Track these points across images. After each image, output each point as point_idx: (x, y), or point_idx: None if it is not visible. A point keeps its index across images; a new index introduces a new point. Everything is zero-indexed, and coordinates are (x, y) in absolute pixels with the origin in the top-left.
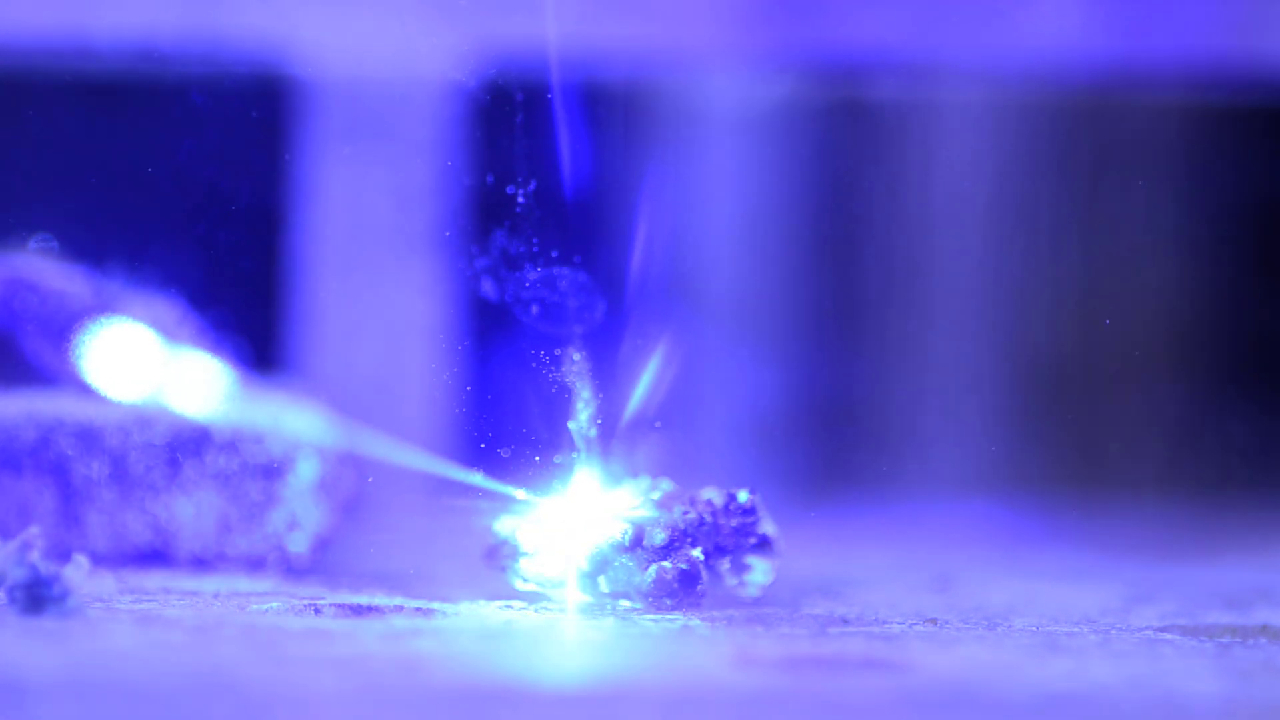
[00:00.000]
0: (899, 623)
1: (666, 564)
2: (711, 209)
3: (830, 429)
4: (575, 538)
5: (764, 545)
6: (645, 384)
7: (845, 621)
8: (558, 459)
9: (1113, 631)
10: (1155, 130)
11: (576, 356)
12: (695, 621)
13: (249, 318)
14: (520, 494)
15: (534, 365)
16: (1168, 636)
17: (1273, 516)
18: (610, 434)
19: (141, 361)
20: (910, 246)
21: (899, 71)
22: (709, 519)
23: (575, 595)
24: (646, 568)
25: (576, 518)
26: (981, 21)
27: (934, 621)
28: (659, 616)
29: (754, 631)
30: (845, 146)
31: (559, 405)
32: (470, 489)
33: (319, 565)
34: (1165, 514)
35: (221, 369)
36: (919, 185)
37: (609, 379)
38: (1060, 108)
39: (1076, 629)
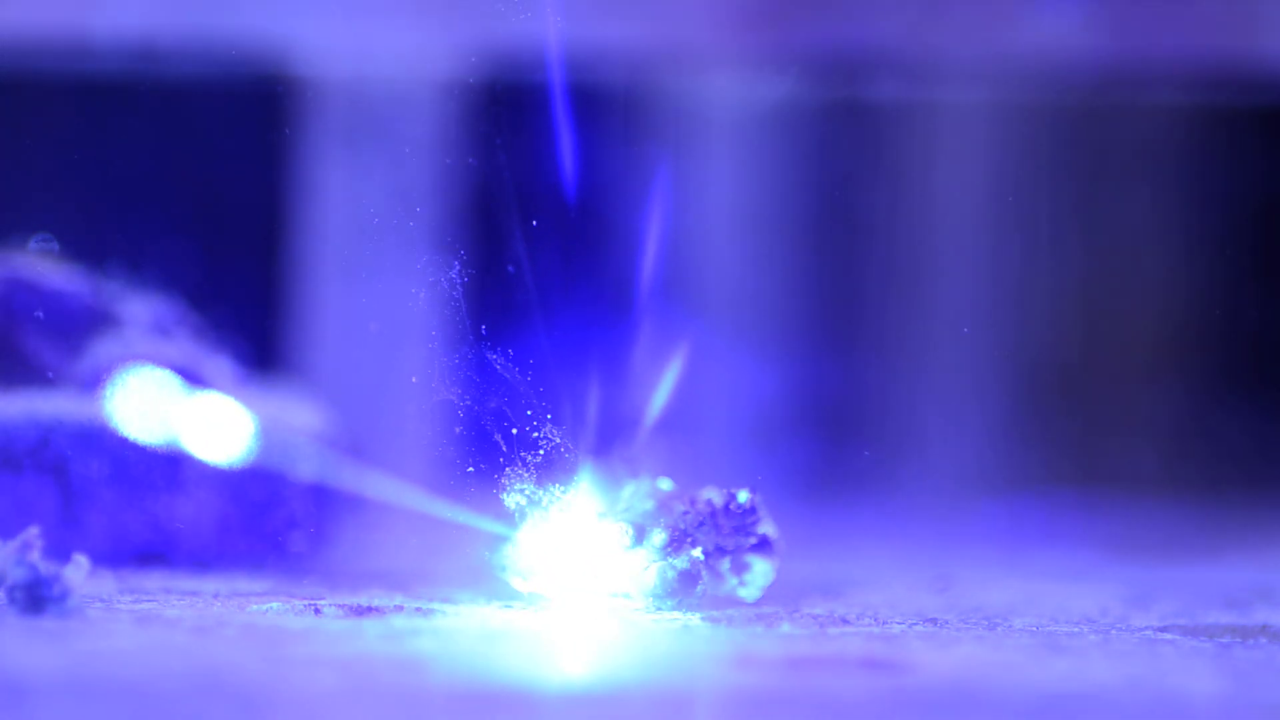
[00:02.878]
0: (899, 623)
1: (667, 564)
2: (712, 209)
3: (830, 429)
4: (575, 538)
5: (764, 545)
6: (660, 387)
7: (845, 621)
8: (559, 459)
9: (1113, 631)
10: (1155, 130)
11: (577, 356)
12: (695, 621)
13: (249, 318)
14: (518, 498)
15: (534, 366)
16: (1168, 636)
17: (1273, 516)
18: (611, 435)
19: (162, 402)
20: (910, 246)
21: (899, 71)
22: (709, 519)
23: (575, 595)
24: (647, 568)
25: (577, 518)
26: (981, 21)
27: (934, 621)
28: (659, 616)
29: (754, 631)
30: (845, 146)
31: (559, 406)
32: (470, 491)
33: (319, 565)
34: (1165, 514)
35: (216, 361)
36: (919, 185)
37: (610, 380)
38: (1060, 108)
39: (1076, 629)
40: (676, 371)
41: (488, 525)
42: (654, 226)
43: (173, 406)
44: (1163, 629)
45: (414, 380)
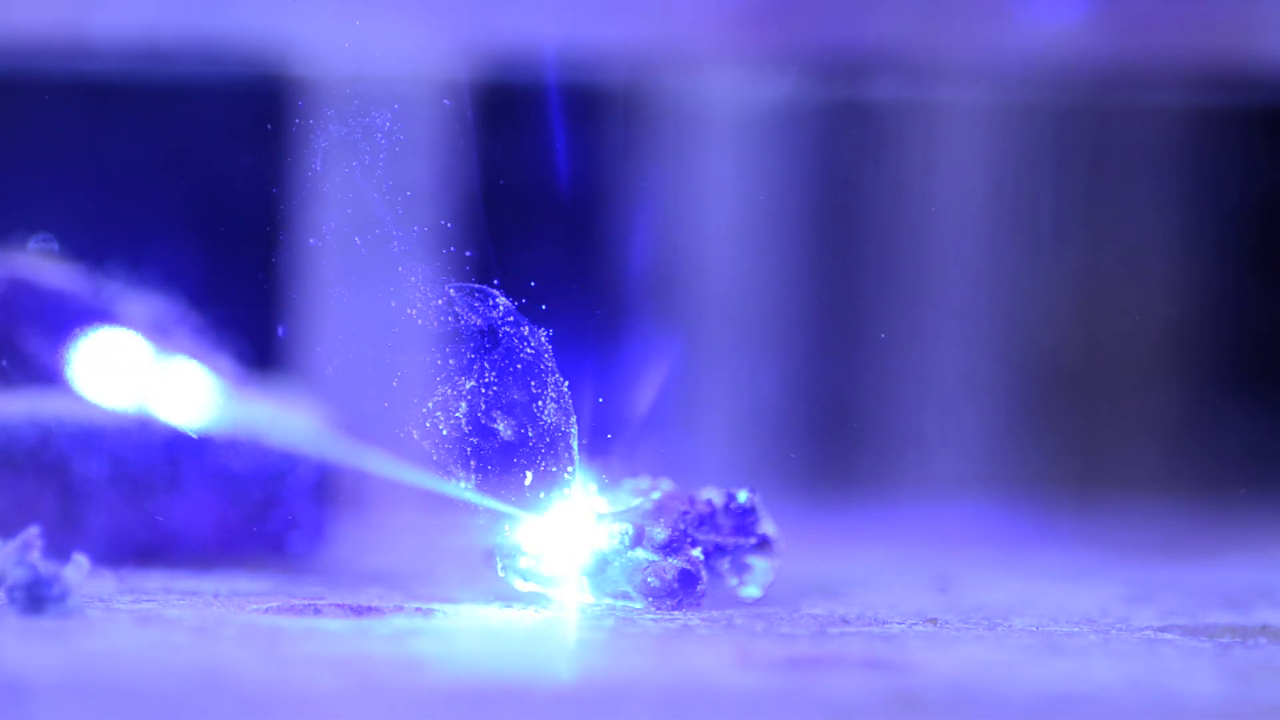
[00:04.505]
0: (899, 623)
1: (666, 564)
2: (711, 209)
3: (830, 429)
4: (575, 537)
5: (764, 545)
6: (648, 383)
7: (845, 621)
8: (559, 459)
9: (1113, 631)
10: (1155, 130)
11: (577, 356)
12: (695, 621)
13: (249, 318)
14: (519, 496)
15: (534, 365)
16: (1168, 636)
17: (1273, 516)
18: (611, 434)
19: (137, 369)
20: (910, 246)
21: (899, 71)
22: (709, 519)
23: (575, 595)
24: (646, 568)
25: (577, 517)
26: (981, 21)
27: (934, 621)
28: (659, 616)
29: (754, 631)
30: (845, 146)
31: (559, 405)
32: (470, 490)
33: (319, 565)
34: (1165, 514)
35: (216, 375)
36: (919, 185)
37: (609, 379)
38: (1060, 108)
39: (1076, 629)
40: (667, 368)
41: (487, 525)
42: (653, 225)
43: (167, 409)
44: (1163, 629)
45: (414, 380)
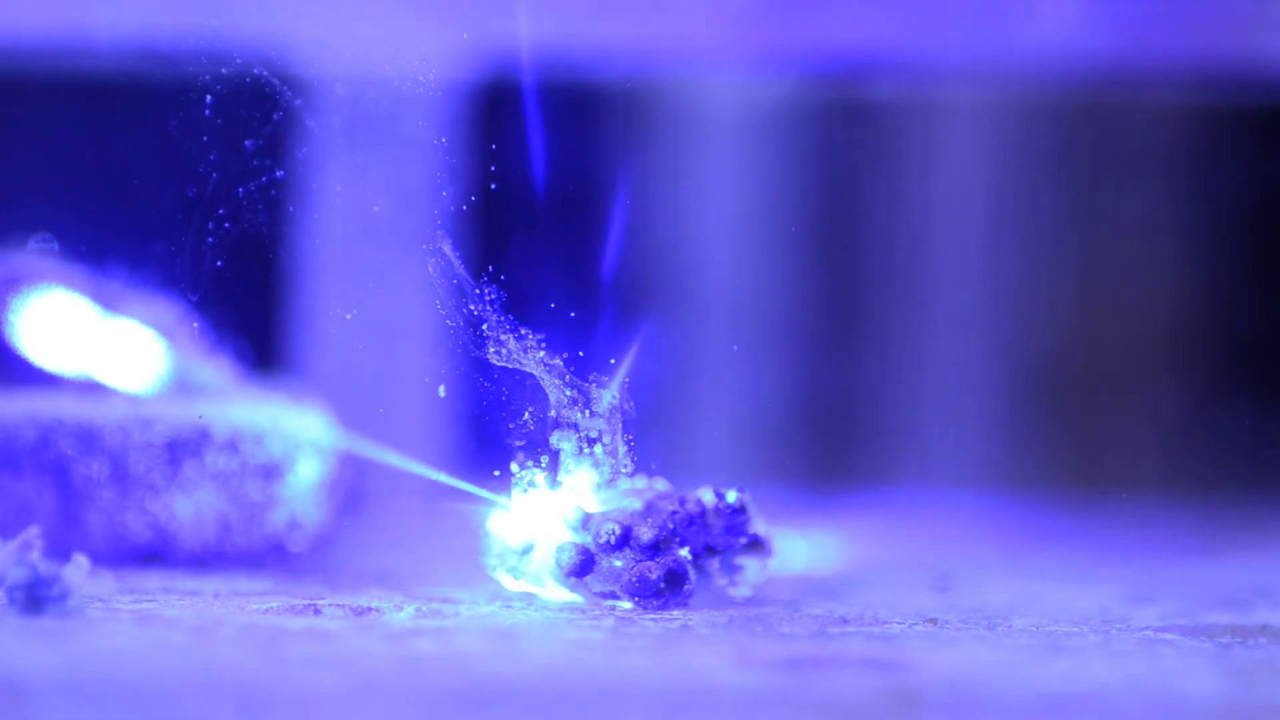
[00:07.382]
0: (899, 623)
1: (652, 564)
2: (711, 208)
3: (830, 429)
4: (564, 537)
5: (755, 545)
6: (622, 377)
7: (845, 621)
8: (551, 460)
9: (1113, 631)
10: (1155, 130)
11: (575, 355)
12: (695, 621)
13: (249, 318)
14: (516, 494)
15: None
16: (1168, 636)
17: (1273, 516)
18: (603, 435)
19: (139, 356)
20: (910, 246)
21: (899, 71)
22: (698, 519)
23: (573, 595)
24: (632, 568)
25: (569, 517)
26: (981, 21)
27: (934, 621)
28: (658, 616)
29: (754, 631)
30: (845, 146)
31: (556, 404)
32: (468, 489)
33: (319, 565)
34: (1165, 514)
35: (216, 361)
36: (919, 185)
37: (606, 377)
38: (1060, 108)
39: (1076, 629)
40: (672, 369)
41: (485, 524)
42: (649, 223)
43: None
44: (1163, 629)
45: (414, 380)
